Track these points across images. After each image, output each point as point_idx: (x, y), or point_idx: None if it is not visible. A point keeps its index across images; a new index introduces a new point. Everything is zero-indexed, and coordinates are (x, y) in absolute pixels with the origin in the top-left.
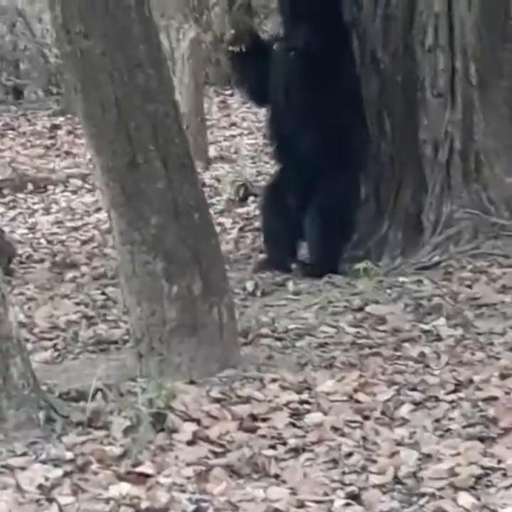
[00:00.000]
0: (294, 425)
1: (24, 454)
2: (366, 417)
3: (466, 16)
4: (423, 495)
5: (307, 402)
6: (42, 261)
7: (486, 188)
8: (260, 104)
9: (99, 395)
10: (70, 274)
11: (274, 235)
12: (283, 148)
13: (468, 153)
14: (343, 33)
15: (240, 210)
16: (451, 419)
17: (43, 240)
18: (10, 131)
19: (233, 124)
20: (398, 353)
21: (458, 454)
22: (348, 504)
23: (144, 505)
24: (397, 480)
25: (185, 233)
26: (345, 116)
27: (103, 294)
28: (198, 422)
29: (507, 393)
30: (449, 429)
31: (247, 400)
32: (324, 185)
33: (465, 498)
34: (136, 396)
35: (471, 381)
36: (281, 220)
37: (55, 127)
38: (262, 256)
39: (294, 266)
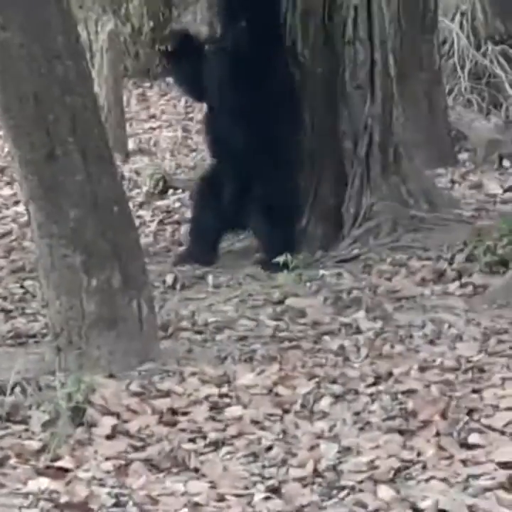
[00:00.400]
0: (213, 419)
1: None
2: (286, 411)
3: (385, 8)
4: (343, 488)
5: (227, 396)
6: None
7: (405, 180)
8: (197, 101)
9: (17, 388)
10: None
11: (202, 228)
12: (218, 143)
13: (387, 145)
14: (276, 32)
15: (159, 203)
16: (370, 412)
17: None
18: None
19: (152, 117)
20: (318, 346)
21: (377, 446)
22: (268, 498)
23: (63, 499)
24: (317, 473)
25: (104, 226)
26: (277, 114)
27: (21, 287)
28: (117, 416)
29: (426, 386)
30: (368, 422)
31: (167, 393)
32: (264, 180)
33: (385, 491)
34: (55, 390)
35: (390, 374)
36: (211, 213)
37: None
38: (182, 248)
39: (256, 258)
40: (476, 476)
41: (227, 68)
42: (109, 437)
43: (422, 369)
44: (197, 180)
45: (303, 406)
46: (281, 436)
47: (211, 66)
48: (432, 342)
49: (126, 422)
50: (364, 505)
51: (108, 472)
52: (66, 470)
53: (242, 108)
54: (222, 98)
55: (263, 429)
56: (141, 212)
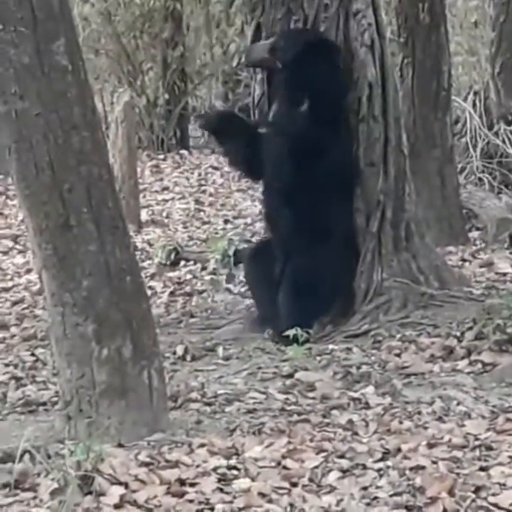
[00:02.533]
0: (221, 490)
1: None
2: (294, 484)
3: (399, 86)
4: None
5: (235, 468)
6: None
7: (416, 257)
8: (254, 180)
9: (26, 456)
10: None
11: (263, 294)
12: (269, 218)
13: (399, 222)
14: (337, 113)
15: (170, 274)
16: (378, 487)
17: None
18: None
19: (165, 189)
20: (327, 420)
21: None
22: None
23: None
24: None
25: (116, 296)
26: (328, 195)
27: (32, 355)
28: (125, 485)
29: (434, 462)
30: (376, 497)
31: (176, 464)
32: (298, 256)
33: None
34: (64, 458)
35: (398, 450)
36: (266, 281)
37: None
38: (253, 315)
39: (267, 333)
40: None
41: (288, 150)
42: (117, 507)
43: (430, 445)
44: (249, 248)
45: (311, 480)
46: (288, 509)
47: (270, 147)
48: (440, 419)
49: (134, 491)
50: None
51: None
52: None
53: (295, 188)
54: (275, 177)
55: (271, 501)
56: (152, 283)
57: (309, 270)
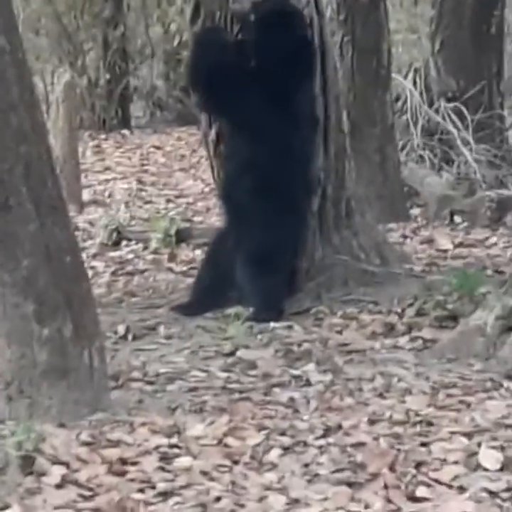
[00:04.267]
0: (163, 469)
1: None
2: (235, 462)
3: (339, 64)
4: None
5: (177, 446)
6: None
7: (356, 235)
8: None
9: None
10: None
11: (208, 280)
12: (226, 199)
13: (339, 200)
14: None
15: (112, 254)
16: (319, 464)
17: None
18: None
19: (107, 169)
20: (268, 398)
21: (326, 499)
22: None
23: None
24: None
25: (56, 276)
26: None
27: None
28: (66, 465)
29: (375, 439)
30: (317, 474)
31: (117, 443)
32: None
33: None
34: (4, 439)
35: (339, 427)
36: (218, 267)
37: None
38: (182, 298)
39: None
40: None
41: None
42: (58, 486)
43: (371, 422)
44: (213, 232)
45: (252, 457)
46: (230, 487)
47: None
48: (381, 395)
49: (75, 471)
50: None
51: None
52: None
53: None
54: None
55: (212, 479)
56: (94, 263)
57: (266, 245)
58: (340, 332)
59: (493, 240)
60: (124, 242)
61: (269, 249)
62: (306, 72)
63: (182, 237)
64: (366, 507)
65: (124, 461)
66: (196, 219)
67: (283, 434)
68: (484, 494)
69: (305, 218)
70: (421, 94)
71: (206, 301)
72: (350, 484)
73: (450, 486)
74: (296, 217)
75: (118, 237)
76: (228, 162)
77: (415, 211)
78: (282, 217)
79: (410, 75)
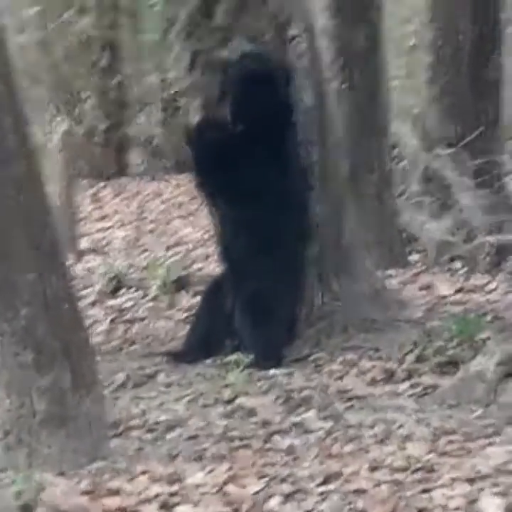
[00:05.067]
0: None
1: None
2: (236, 510)
3: (336, 110)
4: None
5: (177, 495)
6: None
7: (356, 281)
8: None
9: None
10: None
11: (203, 328)
12: (225, 251)
13: (338, 246)
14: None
15: (111, 302)
16: (320, 511)
17: None
18: None
19: (105, 217)
20: (268, 445)
21: None
22: None
23: None
24: None
25: (54, 325)
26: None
27: None
28: None
29: (376, 486)
30: None
31: (117, 492)
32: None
33: None
34: (4, 488)
35: (340, 473)
36: (214, 314)
37: None
38: (177, 346)
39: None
40: None
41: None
42: None
43: (372, 469)
44: (209, 281)
45: (253, 505)
46: None
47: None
48: (382, 442)
49: None
50: None
51: None
52: None
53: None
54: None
55: None
56: (93, 311)
57: (265, 294)
58: (340, 378)
59: (493, 285)
60: (122, 290)
61: (267, 296)
62: (287, 127)
63: (181, 284)
64: None
65: (124, 510)
66: (195, 266)
67: (283, 481)
68: None
69: (303, 265)
70: (419, 140)
71: (201, 348)
72: None
73: None
74: (294, 264)
75: (117, 285)
76: (224, 221)
77: (414, 257)
78: (280, 265)
79: (408, 121)
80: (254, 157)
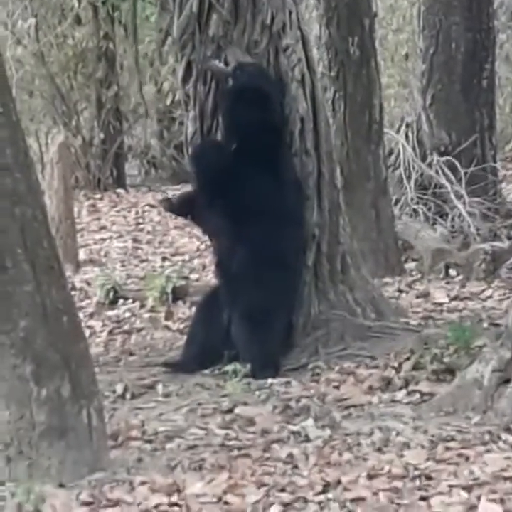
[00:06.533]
0: None
1: None
2: None
3: (331, 120)
4: None
5: (177, 505)
6: None
7: (352, 289)
8: None
9: None
10: None
11: (200, 338)
12: (221, 263)
13: (334, 255)
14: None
15: (109, 313)
16: None
17: None
18: None
19: (103, 228)
20: (267, 455)
21: None
22: None
23: None
24: None
25: (53, 336)
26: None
27: None
28: None
29: (374, 494)
30: None
31: (117, 503)
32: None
33: None
34: (4, 500)
35: (338, 482)
36: (210, 324)
37: None
38: (175, 357)
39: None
40: None
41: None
42: None
43: (370, 477)
44: (204, 293)
45: None
46: None
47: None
48: (379, 450)
49: None
50: None
51: None
52: None
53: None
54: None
55: None
56: (91, 322)
57: (261, 304)
58: (337, 387)
59: (489, 292)
60: (120, 301)
61: (264, 306)
62: (280, 141)
63: (178, 294)
64: None
65: None
66: (192, 276)
67: (282, 490)
68: None
69: (299, 274)
70: (414, 148)
71: (199, 359)
72: None
73: None
74: (291, 273)
75: (115, 296)
76: (220, 235)
77: (410, 265)
78: (276, 275)
79: (403, 130)
80: (248, 172)
